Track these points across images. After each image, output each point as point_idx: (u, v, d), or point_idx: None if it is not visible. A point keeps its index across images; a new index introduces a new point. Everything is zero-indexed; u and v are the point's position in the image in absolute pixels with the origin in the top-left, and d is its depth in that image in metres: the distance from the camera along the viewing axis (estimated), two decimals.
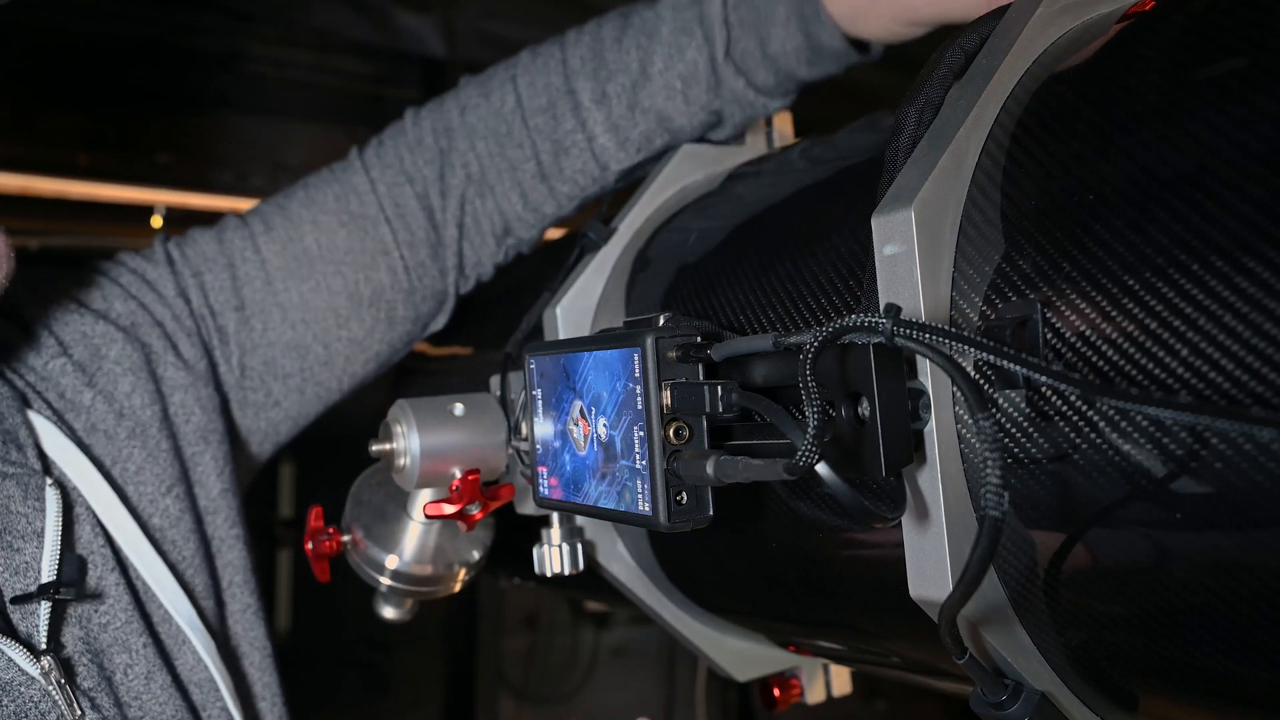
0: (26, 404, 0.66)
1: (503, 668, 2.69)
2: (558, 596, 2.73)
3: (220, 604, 0.72)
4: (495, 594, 2.66)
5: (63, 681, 0.58)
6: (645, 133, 0.76)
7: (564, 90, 0.77)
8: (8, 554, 0.60)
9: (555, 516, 0.66)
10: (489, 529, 0.75)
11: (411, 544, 0.72)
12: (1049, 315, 0.37)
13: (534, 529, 0.67)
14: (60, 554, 0.61)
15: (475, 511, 0.64)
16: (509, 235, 0.83)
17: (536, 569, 0.66)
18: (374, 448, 0.67)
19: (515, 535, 0.73)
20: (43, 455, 0.65)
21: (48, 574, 0.60)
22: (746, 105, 0.74)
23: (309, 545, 0.72)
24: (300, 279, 0.79)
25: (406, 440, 0.65)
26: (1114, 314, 0.35)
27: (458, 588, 0.75)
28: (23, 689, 0.57)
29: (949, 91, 0.45)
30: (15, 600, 0.59)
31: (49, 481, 0.63)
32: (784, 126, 0.76)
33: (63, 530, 0.62)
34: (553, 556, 0.66)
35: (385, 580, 0.72)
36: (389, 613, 0.77)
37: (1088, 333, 0.36)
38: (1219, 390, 0.31)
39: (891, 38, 0.68)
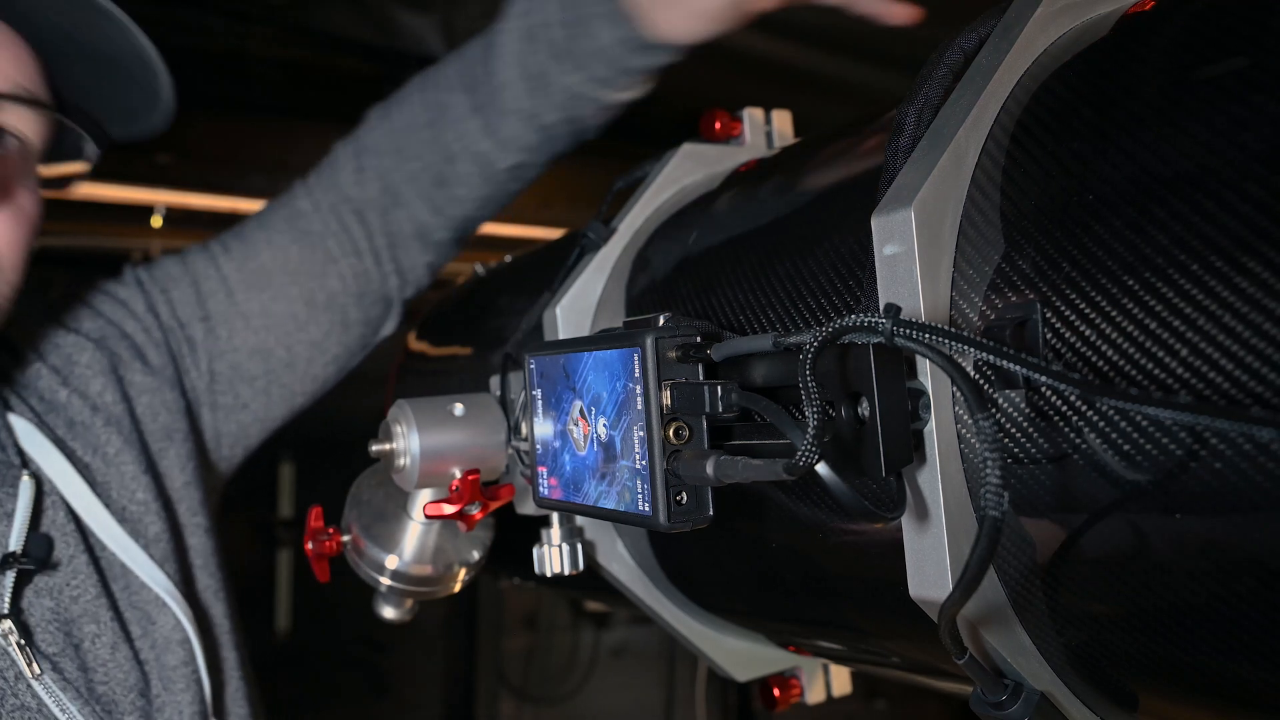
0: (9, 408, 0.74)
1: (503, 668, 2.69)
2: (558, 596, 2.73)
3: (189, 581, 0.78)
4: (495, 594, 2.66)
5: (22, 643, 0.65)
6: (518, 134, 0.86)
7: (445, 104, 0.88)
8: None
9: (555, 516, 0.66)
10: (489, 529, 0.75)
11: (411, 544, 0.72)
12: (1048, 315, 0.37)
13: (534, 529, 0.67)
14: (27, 533, 0.68)
15: (475, 511, 0.64)
16: (428, 239, 0.92)
17: (536, 569, 0.66)
18: (374, 448, 0.67)
19: (515, 535, 0.73)
20: (21, 452, 0.72)
21: (13, 546, 0.67)
22: (592, 99, 0.83)
23: (309, 545, 0.72)
24: (259, 289, 0.88)
25: (406, 440, 0.65)
26: (1113, 314, 0.35)
27: (458, 588, 0.75)
28: None
29: (949, 91, 0.45)
30: None
31: (25, 474, 0.70)
32: (784, 126, 0.76)
33: (34, 515, 0.69)
34: (553, 556, 0.66)
35: (385, 580, 0.72)
36: (389, 613, 0.77)
37: (1087, 333, 0.36)
38: (1218, 390, 0.31)
39: (694, 36, 0.78)
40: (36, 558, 0.68)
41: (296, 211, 0.90)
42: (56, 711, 0.65)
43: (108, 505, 0.74)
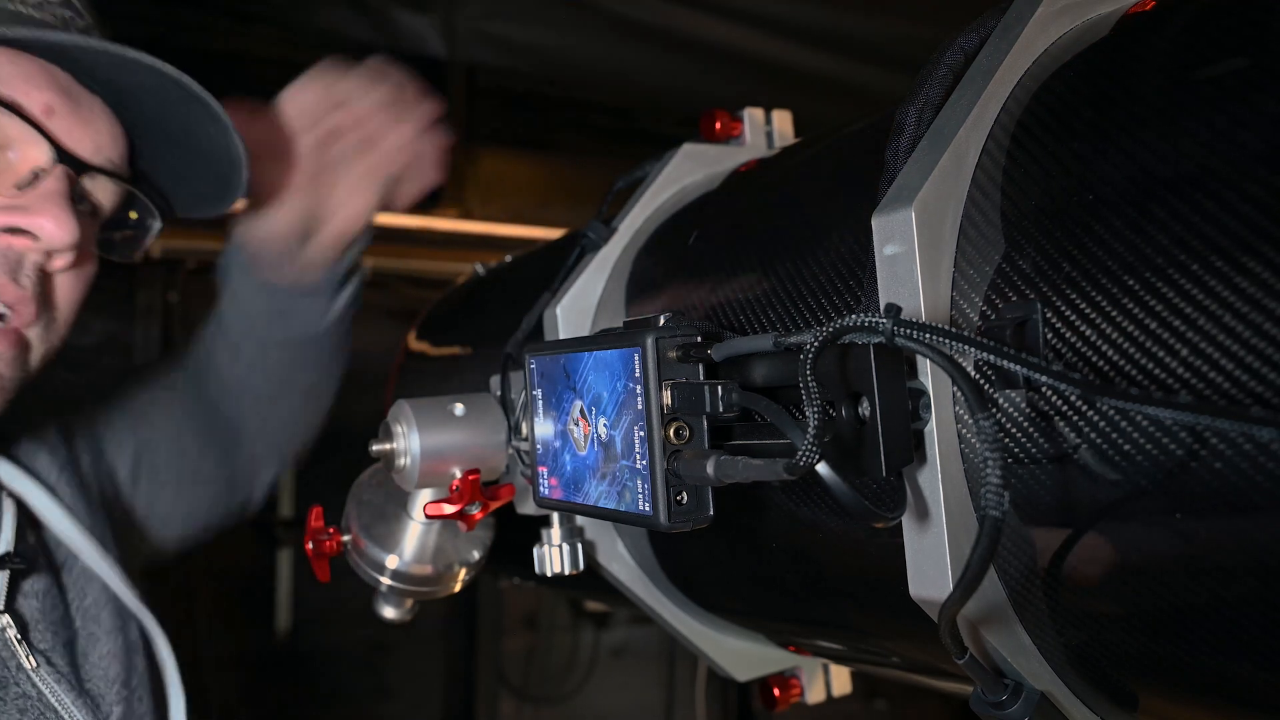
0: None
1: (503, 668, 2.69)
2: (558, 596, 2.73)
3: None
4: (495, 594, 2.66)
5: (19, 637, 0.71)
6: (262, 365, 1.01)
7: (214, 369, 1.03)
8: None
9: (555, 516, 0.66)
10: (489, 529, 0.75)
11: (411, 544, 0.72)
12: (1049, 315, 0.37)
13: (534, 529, 0.67)
14: (14, 540, 0.76)
15: (475, 511, 0.64)
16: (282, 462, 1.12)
17: (537, 569, 0.66)
18: (374, 448, 0.67)
19: (515, 535, 0.73)
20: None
21: (3, 549, 0.74)
22: (292, 319, 0.97)
23: (309, 545, 0.72)
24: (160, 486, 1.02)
25: (406, 440, 0.65)
26: (1114, 314, 0.35)
27: (458, 588, 0.75)
28: None
29: (949, 91, 0.45)
30: None
31: (5, 493, 0.78)
32: (784, 126, 0.76)
33: (17, 528, 0.77)
34: (553, 556, 0.66)
35: (385, 580, 0.72)
36: (389, 613, 0.77)
37: (1088, 332, 0.36)
38: (1218, 390, 0.31)
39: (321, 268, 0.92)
40: (27, 559, 0.75)
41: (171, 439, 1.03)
42: (53, 701, 0.71)
43: (77, 525, 0.82)
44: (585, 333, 0.67)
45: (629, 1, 2.18)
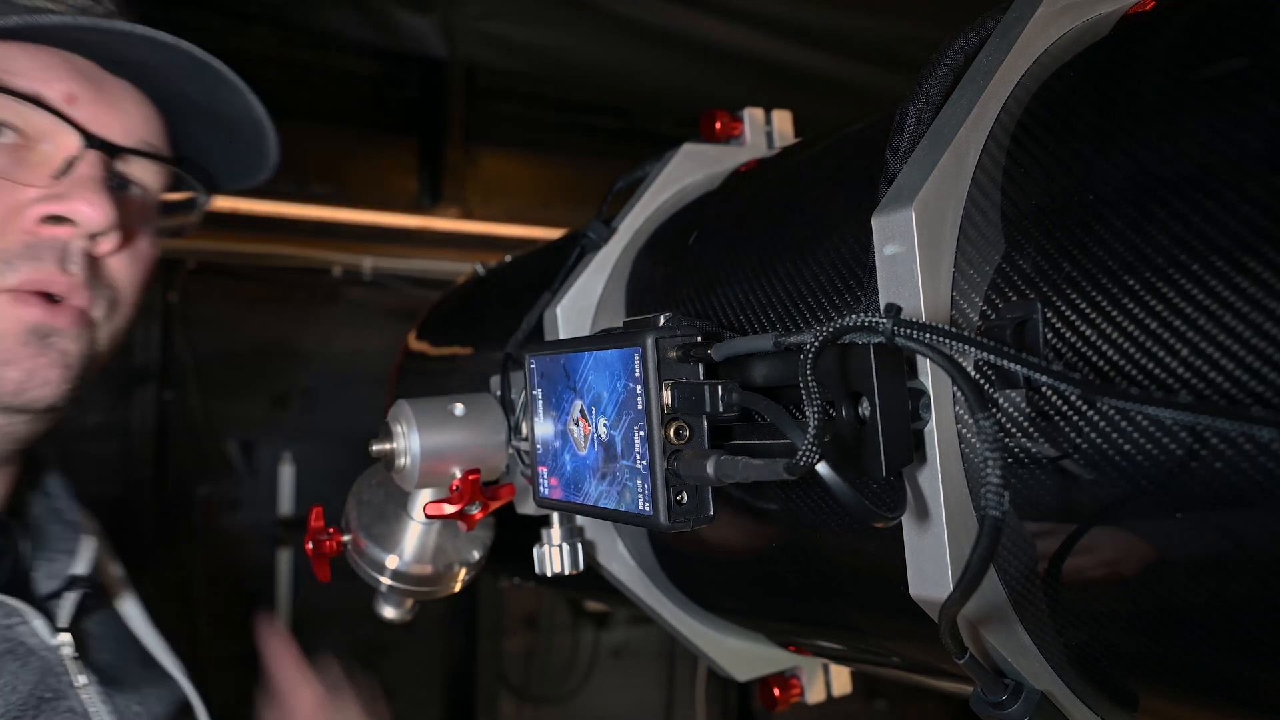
0: None
1: (503, 668, 2.69)
2: (558, 596, 2.73)
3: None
4: (495, 594, 2.66)
5: (76, 656, 0.74)
6: None
7: None
8: (48, 563, 0.79)
9: (555, 516, 0.66)
10: (489, 529, 0.75)
11: (411, 544, 0.72)
12: (1049, 315, 0.37)
13: (534, 529, 0.67)
14: (91, 567, 0.80)
15: (475, 511, 0.64)
16: None
17: (537, 569, 0.66)
18: (374, 448, 0.67)
19: (515, 535, 0.73)
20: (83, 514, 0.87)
21: (81, 571, 0.79)
22: None
23: (309, 545, 0.72)
24: None
25: (406, 440, 0.65)
26: (1114, 314, 0.35)
27: (458, 588, 0.75)
28: (47, 654, 0.73)
29: (949, 91, 0.45)
30: (50, 595, 0.77)
31: (85, 532, 0.83)
32: (784, 126, 0.76)
33: (96, 558, 0.82)
34: (553, 556, 0.66)
35: (385, 580, 0.72)
36: (389, 613, 0.77)
37: (1088, 332, 0.36)
38: (1219, 390, 0.31)
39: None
40: (98, 587, 0.80)
41: None
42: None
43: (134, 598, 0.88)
44: (585, 333, 0.67)
45: (629, 1, 2.18)
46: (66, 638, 0.73)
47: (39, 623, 0.72)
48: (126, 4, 0.76)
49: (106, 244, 0.71)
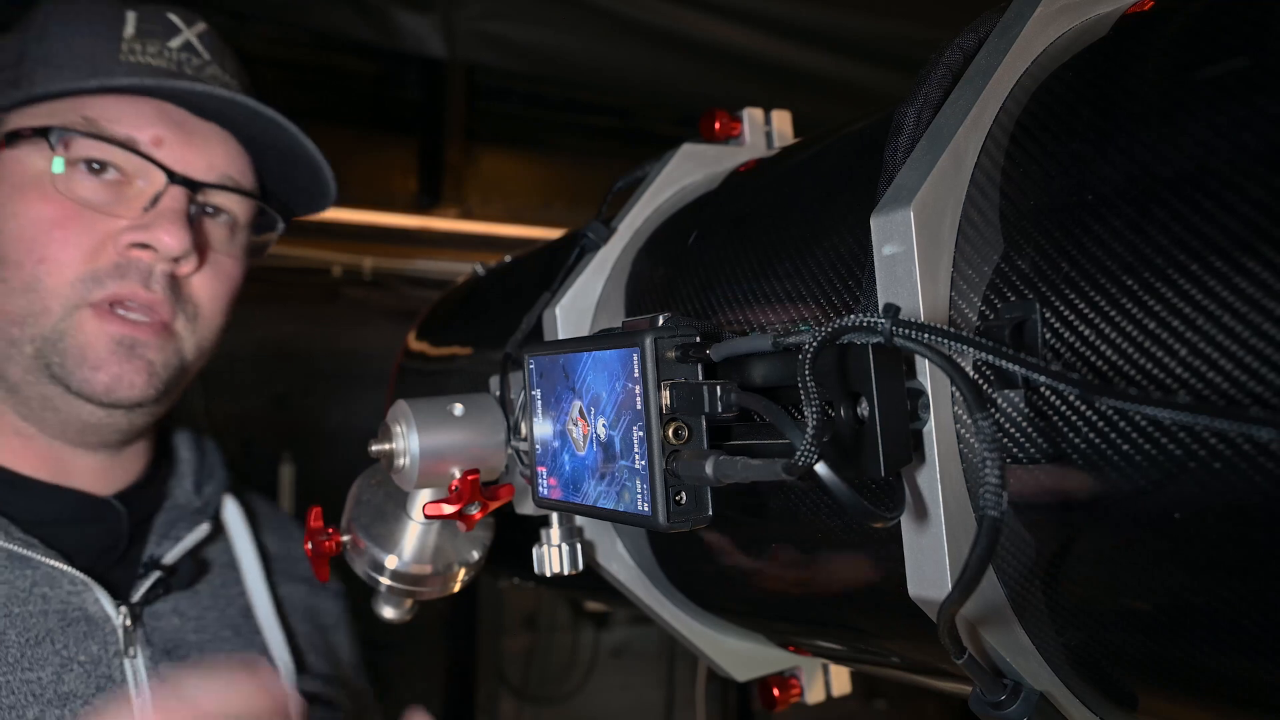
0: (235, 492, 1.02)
1: (503, 668, 2.69)
2: (557, 596, 2.73)
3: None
4: (495, 594, 2.66)
5: (128, 626, 0.82)
6: None
7: None
8: (155, 546, 0.89)
9: (555, 516, 0.66)
10: (488, 529, 0.75)
11: (411, 544, 0.72)
12: (1047, 315, 0.37)
13: (533, 529, 0.67)
14: (183, 556, 0.90)
15: (474, 511, 0.64)
16: None
17: (536, 569, 0.66)
18: (374, 448, 0.67)
19: (515, 535, 0.73)
20: (218, 512, 0.98)
21: (168, 560, 0.88)
22: None
23: (309, 545, 0.72)
24: None
25: (406, 440, 0.65)
26: (1112, 314, 0.35)
27: (457, 588, 0.75)
28: (103, 624, 0.81)
29: (948, 92, 0.45)
30: (140, 575, 0.87)
31: (207, 520, 0.94)
32: (784, 126, 0.76)
33: (200, 546, 0.92)
34: (552, 556, 0.66)
35: (385, 580, 0.72)
36: (389, 613, 0.77)
37: (1086, 333, 0.36)
38: (1217, 390, 0.31)
39: None
40: (183, 575, 0.89)
41: None
42: (133, 691, 0.81)
43: (275, 599, 0.96)
44: (585, 333, 0.67)
45: (629, 1, 2.18)
46: (124, 611, 0.82)
47: (102, 595, 0.81)
48: (223, 52, 0.92)
49: (186, 266, 0.84)
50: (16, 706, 0.75)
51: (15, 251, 0.81)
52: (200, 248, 0.85)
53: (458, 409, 0.66)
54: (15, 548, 0.79)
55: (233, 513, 0.97)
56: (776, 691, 0.72)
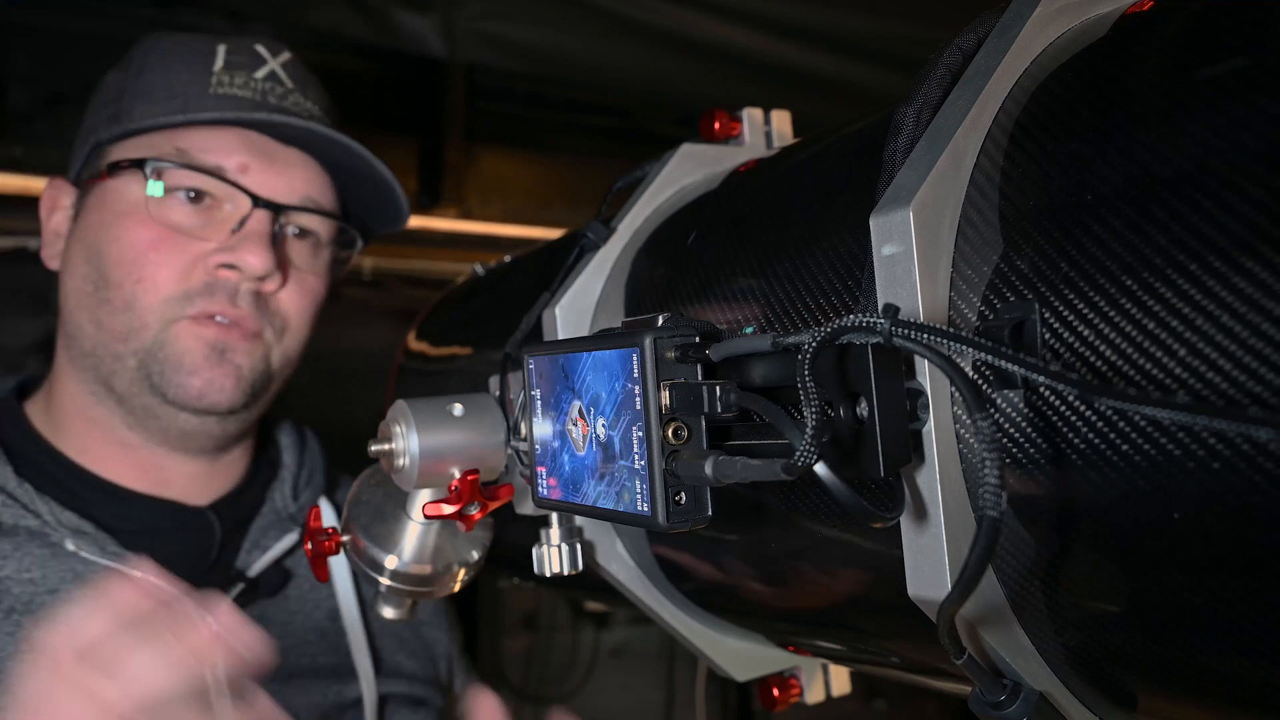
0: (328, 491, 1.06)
1: (503, 668, 2.69)
2: (557, 596, 2.73)
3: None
4: (495, 594, 2.66)
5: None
6: None
7: None
8: (246, 554, 0.93)
9: (554, 516, 0.66)
10: (488, 529, 0.75)
11: (410, 544, 0.72)
12: (1047, 315, 0.37)
13: (533, 529, 0.67)
14: (266, 566, 0.92)
15: (474, 512, 0.64)
16: None
17: (536, 569, 0.66)
18: (373, 448, 0.67)
19: (514, 535, 0.73)
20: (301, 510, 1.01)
21: (251, 573, 0.92)
22: None
23: (309, 545, 0.72)
24: None
25: (405, 440, 0.65)
26: (1112, 314, 0.35)
27: (457, 588, 0.75)
28: None
29: (947, 92, 0.45)
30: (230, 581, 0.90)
31: (296, 527, 0.97)
32: (783, 126, 0.76)
33: (284, 558, 0.94)
34: (552, 556, 0.66)
35: (384, 580, 0.72)
36: (389, 613, 0.77)
37: (1085, 333, 0.36)
38: (1216, 390, 0.31)
39: None
40: (269, 583, 0.92)
41: None
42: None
43: (360, 601, 0.98)
44: (584, 333, 0.67)
45: (629, 1, 2.18)
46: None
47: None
48: (306, 80, 0.97)
49: (270, 284, 0.90)
50: None
51: (116, 273, 0.87)
52: (284, 266, 0.91)
53: (457, 409, 0.66)
54: (108, 561, 0.83)
55: (327, 516, 1.00)
56: (776, 691, 0.72)
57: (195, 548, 0.91)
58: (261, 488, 0.99)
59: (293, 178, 0.92)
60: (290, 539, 0.95)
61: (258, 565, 0.92)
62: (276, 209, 0.89)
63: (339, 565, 0.98)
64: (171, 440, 0.92)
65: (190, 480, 0.94)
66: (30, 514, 0.84)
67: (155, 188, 0.87)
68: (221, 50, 0.93)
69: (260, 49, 0.95)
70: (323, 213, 0.95)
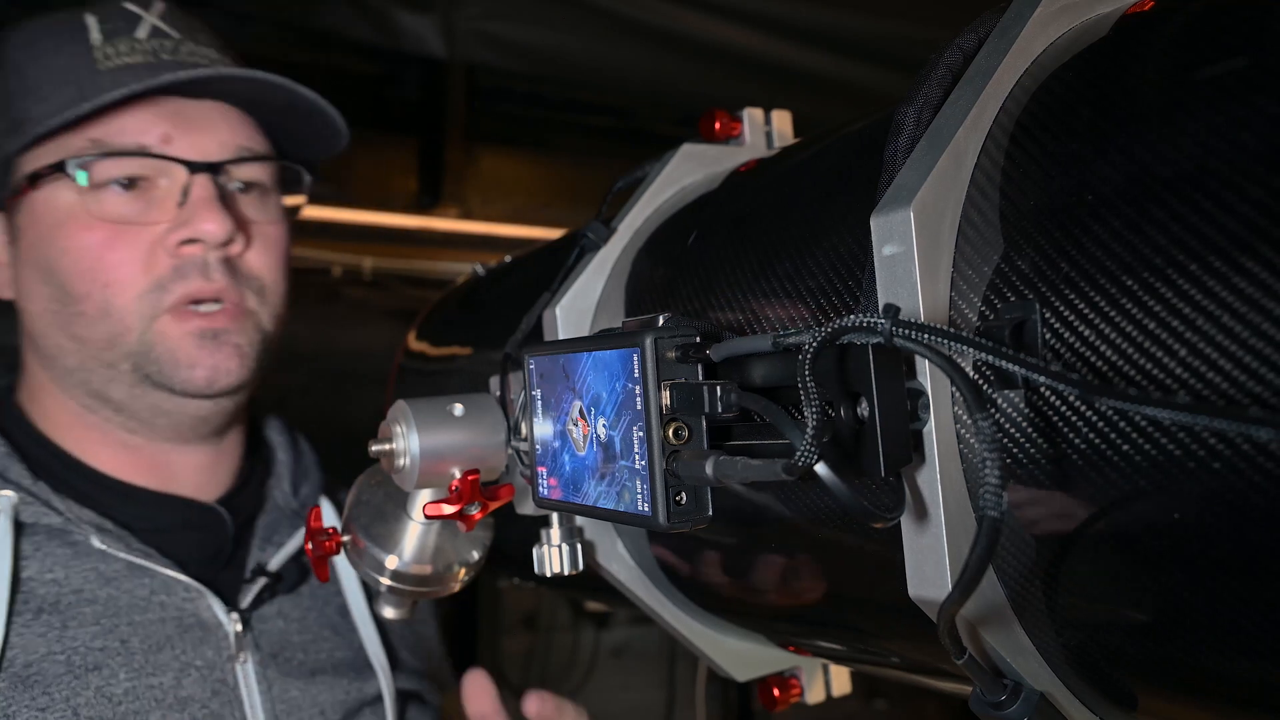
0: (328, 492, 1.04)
1: (503, 668, 2.69)
2: (558, 597, 2.73)
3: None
4: (495, 594, 2.66)
5: (239, 631, 0.85)
6: None
7: None
8: (260, 551, 0.92)
9: (555, 517, 0.66)
10: (488, 529, 0.75)
11: (411, 544, 0.72)
12: (1047, 315, 0.37)
13: (533, 529, 0.67)
14: (287, 561, 0.92)
15: (475, 512, 0.64)
16: None
17: (536, 569, 0.66)
18: (373, 448, 0.67)
19: (515, 535, 0.73)
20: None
21: (272, 567, 0.91)
22: None
23: (309, 546, 0.72)
24: None
25: (406, 440, 0.65)
26: (1112, 314, 0.35)
27: (457, 588, 0.75)
28: (216, 630, 0.85)
29: (948, 92, 0.45)
30: (247, 580, 0.90)
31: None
32: (784, 126, 0.76)
33: (298, 554, 0.94)
34: (552, 556, 0.66)
35: (385, 580, 0.72)
36: (389, 613, 0.77)
37: (1086, 333, 0.36)
38: (1217, 390, 0.31)
39: None
40: (290, 579, 0.91)
41: None
42: (243, 694, 0.84)
43: (364, 588, 0.97)
44: (585, 333, 0.67)
45: (629, 1, 2.18)
46: (236, 617, 0.85)
47: (215, 602, 0.85)
48: (191, 25, 0.91)
49: (236, 247, 0.86)
50: (141, 711, 0.79)
51: (79, 284, 0.83)
52: (242, 224, 0.87)
53: (458, 409, 0.66)
54: (135, 558, 0.83)
55: (329, 515, 0.99)
56: (777, 691, 0.72)
57: (210, 544, 0.90)
58: (259, 485, 0.98)
59: (219, 132, 0.87)
60: (302, 535, 0.94)
61: (276, 560, 0.92)
62: (214, 168, 0.85)
63: (343, 560, 0.97)
64: (184, 431, 0.90)
65: (197, 472, 0.93)
66: (52, 511, 0.82)
67: (83, 179, 0.82)
68: (93, 21, 0.87)
69: (130, 6, 0.89)
70: (260, 158, 0.91)
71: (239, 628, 0.85)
